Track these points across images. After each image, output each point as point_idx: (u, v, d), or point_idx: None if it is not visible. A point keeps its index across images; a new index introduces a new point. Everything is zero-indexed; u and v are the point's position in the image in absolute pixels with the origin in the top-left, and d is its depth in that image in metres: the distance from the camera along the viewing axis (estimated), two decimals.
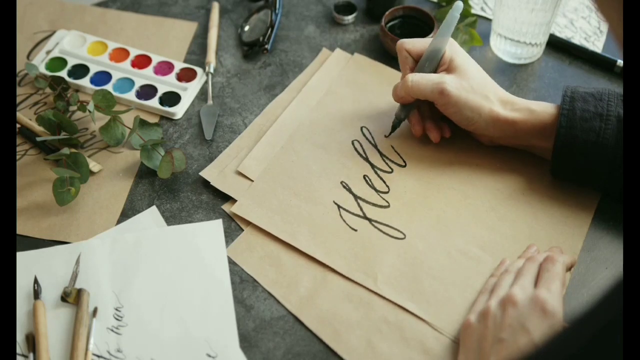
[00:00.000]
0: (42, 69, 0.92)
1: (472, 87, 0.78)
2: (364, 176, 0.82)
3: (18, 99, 0.90)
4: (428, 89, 0.78)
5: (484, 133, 0.80)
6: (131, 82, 0.92)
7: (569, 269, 0.72)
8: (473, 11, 0.98)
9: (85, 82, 0.92)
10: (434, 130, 0.83)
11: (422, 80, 0.78)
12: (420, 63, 0.81)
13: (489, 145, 0.83)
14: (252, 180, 0.81)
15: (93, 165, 0.83)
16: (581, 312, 0.46)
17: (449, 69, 0.80)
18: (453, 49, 0.81)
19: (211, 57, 0.94)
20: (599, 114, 0.75)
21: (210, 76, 0.92)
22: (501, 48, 0.94)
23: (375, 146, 0.85)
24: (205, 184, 0.82)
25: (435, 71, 0.81)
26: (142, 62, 0.94)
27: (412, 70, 0.82)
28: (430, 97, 0.78)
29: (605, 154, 0.74)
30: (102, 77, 0.93)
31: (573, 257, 0.74)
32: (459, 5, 0.83)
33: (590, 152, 0.75)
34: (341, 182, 0.81)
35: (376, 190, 0.81)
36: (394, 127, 0.84)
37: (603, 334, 0.44)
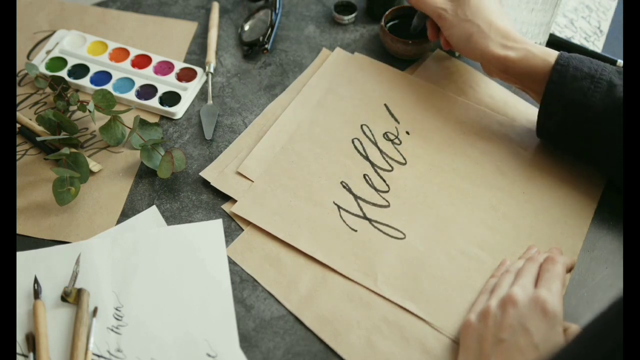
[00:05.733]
0: (42, 69, 0.92)
1: (467, 15, 0.81)
2: (364, 175, 0.82)
3: (18, 99, 0.90)
4: (429, 9, 0.85)
5: (480, 62, 0.82)
6: (131, 82, 0.92)
7: (568, 270, 0.72)
8: None
9: (85, 82, 0.92)
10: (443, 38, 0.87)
11: (427, 0, 0.85)
12: None
13: (490, 75, 0.84)
14: (252, 181, 0.81)
15: (93, 165, 0.83)
16: (581, 334, 0.46)
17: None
18: None
19: (211, 57, 0.94)
20: (590, 75, 0.75)
21: (210, 76, 0.92)
22: None
23: (375, 144, 0.85)
24: (205, 183, 0.82)
25: None
26: (142, 62, 0.94)
27: None
28: (433, 17, 0.85)
29: (589, 116, 0.74)
30: (102, 77, 0.93)
31: (573, 258, 0.74)
32: None
33: (575, 112, 0.74)
34: (341, 182, 0.81)
35: (376, 190, 0.81)
36: (414, 30, 0.92)
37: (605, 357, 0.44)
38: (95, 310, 0.71)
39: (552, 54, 0.77)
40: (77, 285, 0.73)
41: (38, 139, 0.85)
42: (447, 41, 0.86)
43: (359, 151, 0.84)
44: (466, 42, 0.81)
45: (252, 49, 0.95)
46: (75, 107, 0.88)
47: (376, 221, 0.78)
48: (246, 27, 0.98)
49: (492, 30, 0.79)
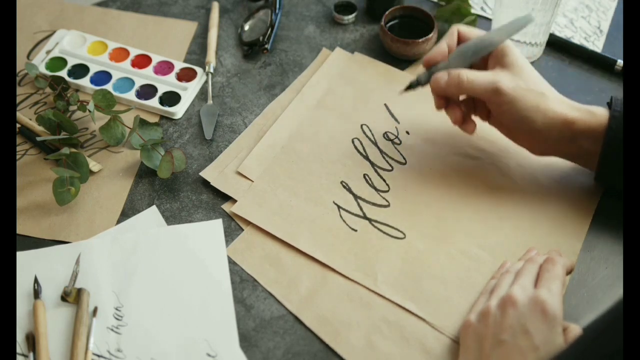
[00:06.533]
0: (42, 69, 0.92)
1: (527, 85, 0.74)
2: (364, 175, 0.82)
3: (18, 99, 0.90)
4: (482, 87, 0.74)
5: (540, 136, 0.75)
6: (131, 82, 0.92)
7: (568, 272, 0.71)
8: (473, 11, 0.98)
9: (85, 82, 0.92)
10: (457, 110, 0.78)
11: (476, 79, 0.74)
12: (464, 48, 0.76)
13: (539, 155, 0.78)
14: (252, 181, 0.81)
15: (93, 165, 0.83)
16: (582, 336, 0.46)
17: (502, 65, 0.75)
18: (507, 47, 0.76)
19: (211, 56, 0.94)
20: None
21: (210, 76, 0.92)
22: None
23: (375, 144, 0.85)
24: (205, 183, 0.82)
25: (475, 63, 0.77)
26: (142, 61, 0.94)
27: (449, 48, 0.78)
28: (484, 95, 0.75)
29: None
30: (102, 77, 0.93)
31: (572, 260, 0.73)
32: (531, 17, 0.77)
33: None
34: (341, 182, 0.81)
35: (376, 190, 0.81)
36: (410, 87, 0.79)
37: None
38: (95, 310, 0.71)
39: (605, 109, 0.75)
40: (77, 285, 0.73)
41: (38, 139, 0.85)
42: (459, 108, 0.78)
43: (359, 151, 0.84)
44: (533, 112, 0.73)
45: (252, 49, 0.95)
46: (75, 107, 0.88)
47: (376, 221, 0.78)
48: (246, 27, 0.98)
49: (553, 95, 0.75)
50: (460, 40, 0.78)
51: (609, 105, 0.75)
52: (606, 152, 0.73)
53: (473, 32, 0.78)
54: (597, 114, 0.74)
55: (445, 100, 0.79)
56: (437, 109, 0.79)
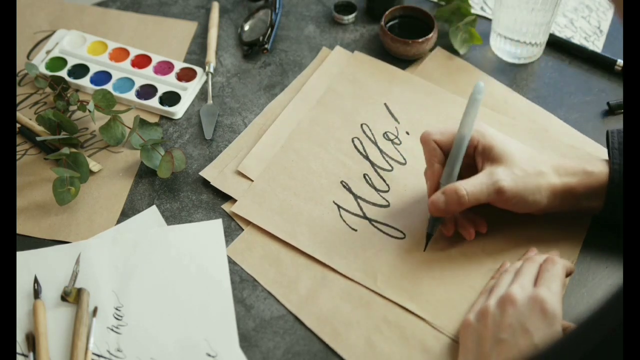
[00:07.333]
0: (42, 69, 0.92)
1: (525, 170, 0.71)
2: (364, 175, 0.82)
3: (18, 99, 0.90)
4: (484, 195, 0.71)
5: (543, 208, 0.73)
6: (131, 82, 0.92)
7: (567, 274, 0.71)
8: (473, 11, 0.98)
9: (85, 81, 0.92)
10: (469, 228, 0.75)
11: (475, 189, 0.71)
12: (451, 158, 0.73)
13: (540, 214, 0.75)
14: (252, 180, 0.81)
15: (93, 165, 0.83)
16: (582, 320, 0.46)
17: (492, 160, 0.72)
18: (488, 137, 0.73)
19: (211, 56, 0.94)
20: None
21: (210, 76, 0.92)
22: (501, 48, 0.94)
23: (375, 143, 0.85)
24: (205, 183, 0.82)
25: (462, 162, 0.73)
26: (142, 61, 0.94)
27: (442, 164, 0.74)
28: (487, 200, 0.72)
29: None
30: (102, 77, 0.93)
31: (572, 265, 0.73)
32: (480, 87, 0.73)
33: None
34: (341, 182, 0.81)
35: (376, 190, 0.81)
36: (429, 238, 0.75)
37: (604, 343, 0.44)
38: (95, 310, 0.71)
39: (606, 163, 0.73)
40: (77, 285, 0.73)
41: (38, 138, 0.85)
42: (470, 224, 0.75)
43: (359, 150, 0.84)
44: (538, 195, 0.71)
45: (252, 49, 0.95)
46: (75, 107, 0.88)
47: (376, 221, 0.78)
48: (246, 27, 0.98)
49: (549, 168, 0.73)
50: (442, 147, 0.74)
51: (612, 148, 0.73)
52: (609, 207, 0.72)
53: (447, 133, 0.74)
54: (595, 173, 0.72)
55: (452, 223, 0.75)
56: (450, 236, 0.76)
